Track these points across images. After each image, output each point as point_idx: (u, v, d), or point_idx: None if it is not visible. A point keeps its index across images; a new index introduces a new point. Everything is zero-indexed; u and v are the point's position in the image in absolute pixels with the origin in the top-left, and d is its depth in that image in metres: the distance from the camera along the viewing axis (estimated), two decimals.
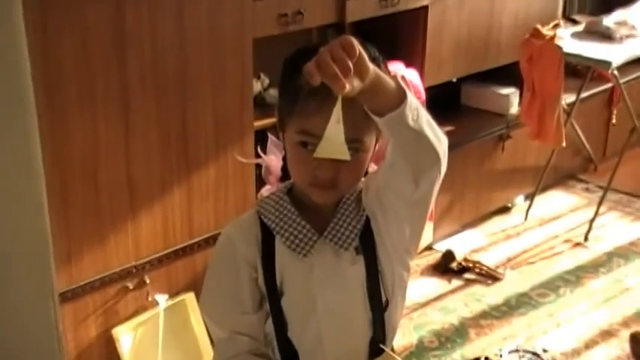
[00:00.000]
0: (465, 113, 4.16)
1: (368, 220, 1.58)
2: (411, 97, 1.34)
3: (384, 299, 1.59)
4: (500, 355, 3.15)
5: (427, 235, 3.83)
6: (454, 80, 4.05)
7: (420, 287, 3.66)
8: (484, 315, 3.46)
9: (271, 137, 1.77)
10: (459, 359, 3.17)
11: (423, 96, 3.52)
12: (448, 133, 3.69)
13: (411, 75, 3.49)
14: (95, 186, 2.63)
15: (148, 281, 2.85)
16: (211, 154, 2.89)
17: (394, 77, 1.41)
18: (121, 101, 2.61)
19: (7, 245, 2.00)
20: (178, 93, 2.76)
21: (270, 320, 1.59)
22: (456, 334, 3.33)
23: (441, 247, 3.93)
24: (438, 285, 3.68)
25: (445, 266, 3.78)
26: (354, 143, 1.44)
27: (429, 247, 3.92)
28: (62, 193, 2.56)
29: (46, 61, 2.41)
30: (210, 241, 2.94)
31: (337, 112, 1.27)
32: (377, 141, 1.52)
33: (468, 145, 3.93)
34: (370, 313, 1.58)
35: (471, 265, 3.77)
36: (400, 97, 1.32)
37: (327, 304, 1.56)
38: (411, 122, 1.34)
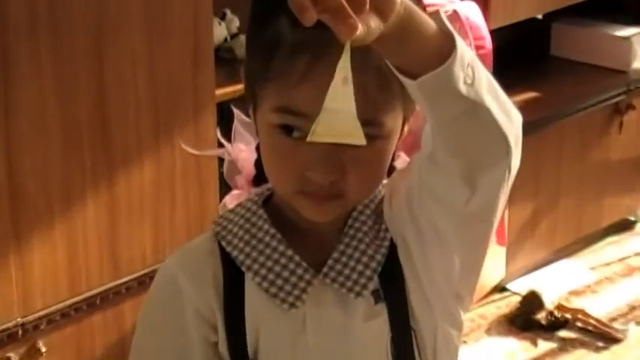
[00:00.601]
0: (557, 70, 4.15)
1: (393, 247, 1.50)
2: (462, 47, 1.27)
3: None
4: None
5: (496, 269, 3.81)
6: (539, 17, 4.02)
7: (485, 352, 3.62)
8: None
9: (238, 114, 1.75)
10: None
11: (488, 44, 3.48)
12: (532, 102, 3.71)
13: (468, 10, 3.45)
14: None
15: (43, 349, 2.82)
16: (147, 144, 2.90)
17: (436, 14, 1.37)
18: None
19: None
20: (90, 43, 2.75)
21: None
22: None
23: (520, 285, 3.90)
24: (515, 349, 3.64)
25: (528, 319, 3.73)
26: (369, 126, 1.31)
27: (501, 288, 3.89)
28: None
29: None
30: (146, 281, 2.95)
31: (344, 68, 1.18)
32: (405, 121, 1.45)
33: (561, 121, 3.90)
34: None
35: (569, 316, 3.72)
36: (445, 46, 1.24)
37: None
38: (462, 87, 1.25)
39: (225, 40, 3.37)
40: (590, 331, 3.74)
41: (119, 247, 2.98)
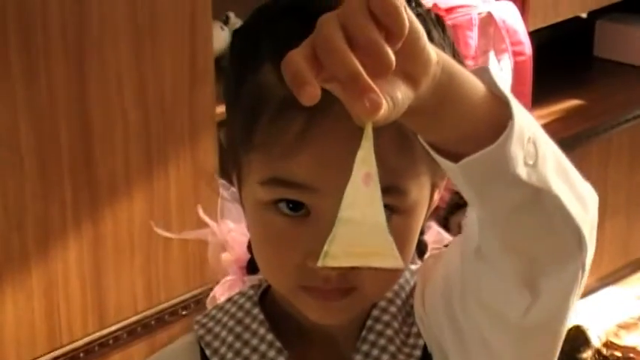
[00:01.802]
0: (602, 74, 3.88)
1: (427, 356, 1.21)
2: (521, 115, 0.96)
3: None
4: None
5: None
6: (583, 16, 3.74)
7: None
8: None
9: (225, 185, 1.40)
10: None
11: (528, 50, 3.25)
12: (574, 112, 3.46)
13: (505, 12, 3.21)
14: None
15: None
16: (137, 175, 2.63)
17: (482, 70, 1.05)
18: None
19: None
20: (70, 57, 2.48)
21: None
22: None
23: None
24: None
25: (571, 357, 3.48)
26: (388, 195, 1.01)
27: None
28: None
29: None
30: (137, 330, 2.67)
31: (366, 160, 0.92)
32: (435, 189, 1.18)
33: (608, 133, 3.64)
34: None
35: (620, 355, 3.47)
36: (498, 114, 0.95)
37: None
38: (522, 170, 0.96)
39: (228, 46, 3.05)
40: None
41: (105, 292, 2.72)
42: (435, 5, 3.13)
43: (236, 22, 3.08)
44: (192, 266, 2.78)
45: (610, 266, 3.84)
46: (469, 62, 3.10)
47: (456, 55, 1.14)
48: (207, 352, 1.21)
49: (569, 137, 3.47)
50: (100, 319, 2.69)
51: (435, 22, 1.15)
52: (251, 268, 1.32)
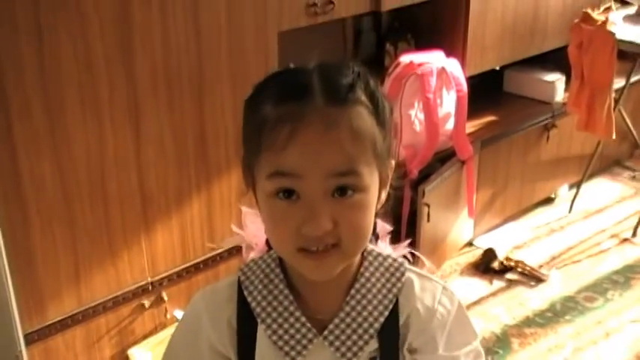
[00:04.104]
0: (508, 101, 3.59)
1: (396, 310, 1.06)
2: None
3: None
4: None
5: (467, 231, 3.35)
6: (497, 68, 3.51)
7: (460, 288, 3.16)
8: (528, 322, 2.96)
9: (245, 209, 1.28)
10: None
11: (465, 88, 3.02)
12: (491, 123, 3.24)
13: (452, 66, 2.99)
14: (104, 199, 2.18)
15: (165, 298, 2.41)
16: (233, 160, 2.41)
17: None
18: (129, 105, 2.14)
19: None
20: (194, 94, 2.28)
21: None
22: (498, 344, 2.84)
23: (482, 242, 3.43)
24: (478, 286, 3.19)
25: (486, 265, 3.27)
26: (348, 176, 0.95)
27: (470, 244, 3.43)
28: (67, 208, 2.12)
29: (42, 64, 1.96)
30: (234, 251, 2.49)
31: None
32: (382, 185, 1.03)
33: (511, 135, 3.40)
34: None
35: (513, 264, 3.26)
36: None
37: None
38: None
39: None
40: (526, 274, 3.26)
41: (214, 229, 2.51)
42: (411, 62, 2.93)
43: None
44: None
45: (510, 210, 3.61)
46: (430, 95, 2.91)
47: (376, 94, 1.00)
48: (245, 293, 1.07)
49: (489, 138, 3.27)
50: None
51: (361, 76, 0.99)
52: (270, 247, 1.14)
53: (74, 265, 2.18)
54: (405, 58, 2.95)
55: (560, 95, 3.58)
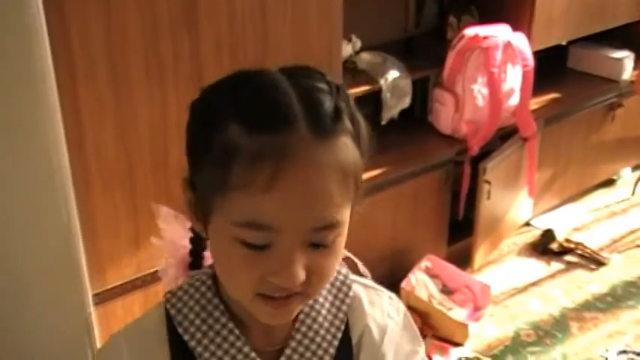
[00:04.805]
0: (573, 78, 3.52)
1: (347, 333, 0.97)
2: None
3: None
4: (606, 358, 2.62)
5: (526, 210, 3.30)
6: (563, 43, 3.42)
7: (517, 269, 3.13)
8: (587, 306, 2.91)
9: (158, 207, 1.07)
10: (559, 359, 2.65)
11: (531, 62, 2.96)
12: (556, 101, 3.18)
13: (518, 40, 2.92)
14: (165, 168, 2.18)
15: None
16: None
17: None
18: (193, 75, 2.13)
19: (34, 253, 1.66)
20: (257, 62, 2.23)
21: None
22: (556, 328, 2.81)
23: (540, 223, 3.38)
24: (536, 267, 3.14)
25: (544, 246, 3.23)
26: (333, 228, 0.82)
27: (528, 224, 3.38)
28: (129, 176, 2.13)
29: (109, 30, 1.96)
30: None
31: None
32: (352, 210, 0.87)
33: (575, 114, 3.33)
34: None
35: (572, 246, 3.21)
36: None
37: None
38: None
39: (351, 55, 2.81)
40: (586, 257, 3.21)
41: None
42: (476, 35, 2.87)
43: (356, 40, 2.84)
44: None
45: (570, 191, 3.55)
46: (494, 70, 2.85)
47: (355, 114, 0.85)
48: (180, 330, 0.91)
49: (550, 116, 3.20)
50: None
51: (341, 94, 0.83)
52: (193, 266, 1.01)
53: (134, 233, 2.19)
54: (470, 31, 2.89)
55: (627, 73, 3.49)
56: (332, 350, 0.94)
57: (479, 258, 3.05)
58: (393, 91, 2.77)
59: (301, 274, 0.81)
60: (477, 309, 2.86)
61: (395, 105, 2.81)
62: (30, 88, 1.57)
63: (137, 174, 2.14)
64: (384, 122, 2.83)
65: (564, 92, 3.34)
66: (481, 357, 2.65)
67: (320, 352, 0.94)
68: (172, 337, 0.91)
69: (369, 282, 1.04)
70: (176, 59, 2.09)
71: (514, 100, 2.98)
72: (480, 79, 2.88)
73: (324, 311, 0.96)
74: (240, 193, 0.78)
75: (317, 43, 2.35)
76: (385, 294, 1.03)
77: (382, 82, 2.74)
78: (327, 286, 0.96)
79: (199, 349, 0.90)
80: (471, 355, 2.67)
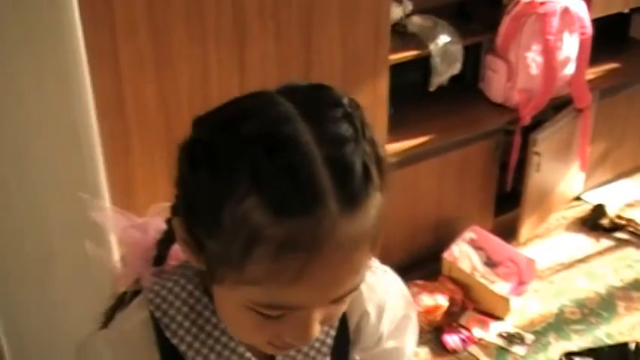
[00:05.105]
0: (634, 48, 3.37)
1: (344, 322, 0.92)
2: None
3: None
4: None
5: (577, 184, 3.20)
6: (626, 11, 3.28)
7: (565, 244, 3.04)
8: (636, 285, 2.82)
9: (88, 199, 0.96)
10: (603, 338, 2.58)
11: (589, 30, 2.84)
12: (613, 71, 3.07)
13: (577, 6, 2.80)
14: None
15: None
16: None
17: None
18: (235, 33, 2.09)
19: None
20: (301, 25, 2.19)
21: None
22: (602, 306, 2.73)
23: (592, 197, 3.28)
24: (585, 243, 3.05)
25: (595, 222, 3.13)
26: (353, 292, 0.76)
27: (578, 198, 3.28)
28: (168, 135, 2.11)
29: None
30: None
31: None
32: None
33: (634, 86, 3.20)
34: None
35: (624, 223, 3.11)
36: None
37: None
38: None
39: (401, 18, 2.73)
40: (637, 234, 3.10)
41: None
42: (533, 0, 2.76)
43: (407, 3, 2.76)
44: None
45: (625, 166, 3.43)
46: (550, 37, 2.74)
47: (378, 150, 0.73)
48: (168, 334, 0.83)
49: (607, 87, 3.09)
50: None
51: (366, 132, 0.72)
52: (157, 262, 0.90)
53: (171, 190, 2.18)
54: None
55: None
56: (329, 341, 0.90)
57: (525, 231, 2.97)
58: (443, 56, 2.69)
59: (317, 332, 0.76)
60: (520, 283, 2.79)
61: (445, 71, 2.73)
62: (59, 42, 1.54)
63: (176, 132, 2.11)
64: (432, 88, 2.76)
65: (624, 63, 3.21)
66: (522, 333, 2.59)
67: (317, 344, 0.89)
68: (161, 342, 0.83)
69: None
70: (218, 17, 2.05)
71: (569, 70, 2.87)
72: (534, 47, 2.78)
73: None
74: (260, 285, 0.70)
75: (365, 4, 2.28)
76: (380, 268, 0.97)
77: (432, 46, 2.66)
78: None
79: (190, 353, 0.83)
80: (512, 330, 2.61)
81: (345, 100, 0.74)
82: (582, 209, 3.23)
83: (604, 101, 3.09)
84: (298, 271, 0.67)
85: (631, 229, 3.09)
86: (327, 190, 0.67)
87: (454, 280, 2.73)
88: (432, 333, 2.59)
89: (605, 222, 3.11)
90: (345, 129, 0.70)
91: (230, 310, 0.77)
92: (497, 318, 2.65)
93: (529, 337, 2.58)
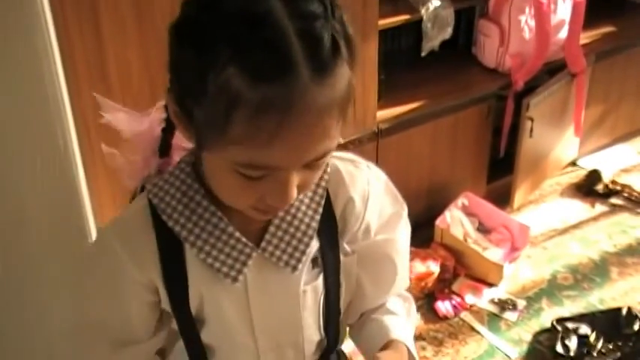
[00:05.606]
0: (631, 11, 3.33)
1: (329, 203, 1.01)
2: None
3: (341, 309, 1.09)
4: None
5: (572, 150, 3.18)
6: None
7: (558, 210, 3.03)
8: (630, 251, 2.81)
9: (102, 100, 1.05)
10: (596, 304, 2.57)
11: None
12: (609, 35, 3.02)
13: None
14: None
15: None
16: None
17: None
18: None
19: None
20: None
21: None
22: (595, 272, 2.72)
23: (587, 163, 3.25)
24: (579, 209, 3.04)
25: (589, 187, 3.11)
26: (326, 156, 0.85)
27: (573, 163, 3.26)
28: (152, 101, 2.09)
29: None
30: None
31: None
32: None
33: (630, 49, 3.16)
34: (323, 329, 1.08)
35: (619, 188, 3.09)
36: None
37: (269, 334, 1.04)
38: None
39: None
40: (633, 200, 3.09)
41: None
42: None
43: None
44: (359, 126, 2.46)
45: (621, 131, 3.40)
46: (544, 1, 2.69)
47: (347, 30, 0.82)
48: (164, 217, 0.94)
49: (603, 51, 3.04)
50: None
51: (335, 12, 0.80)
52: (162, 152, 1.03)
53: None
54: None
55: None
56: (314, 224, 0.98)
57: (519, 197, 2.96)
58: (434, 20, 2.65)
59: (295, 194, 0.85)
60: (513, 250, 2.78)
61: (436, 35, 2.69)
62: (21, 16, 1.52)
63: (160, 98, 2.09)
64: (424, 53, 2.72)
65: (619, 26, 3.17)
66: (514, 299, 2.59)
67: (303, 227, 0.97)
68: (157, 225, 0.95)
69: (346, 155, 1.05)
70: None
71: (563, 34, 2.83)
72: (527, 10, 2.74)
73: (307, 199, 0.99)
74: (240, 144, 0.78)
75: None
76: (363, 163, 1.05)
77: (423, 11, 2.62)
78: None
79: (184, 232, 0.94)
80: (504, 296, 2.61)
81: None
82: (577, 175, 3.21)
83: (600, 65, 3.05)
84: (273, 131, 0.76)
85: (626, 194, 3.07)
86: (298, 59, 0.75)
87: (446, 247, 2.71)
88: (424, 299, 2.58)
89: (600, 187, 3.09)
90: (316, 7, 0.78)
91: (219, 175, 0.86)
92: (490, 284, 2.64)
93: (521, 303, 2.57)
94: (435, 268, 2.61)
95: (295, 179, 0.84)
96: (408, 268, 1.15)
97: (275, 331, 1.04)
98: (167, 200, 0.95)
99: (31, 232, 1.73)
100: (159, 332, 1.06)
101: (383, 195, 1.07)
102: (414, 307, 1.17)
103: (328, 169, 1.00)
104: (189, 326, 1.01)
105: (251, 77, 0.74)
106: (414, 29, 2.70)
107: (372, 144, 2.54)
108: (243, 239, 0.96)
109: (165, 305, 1.00)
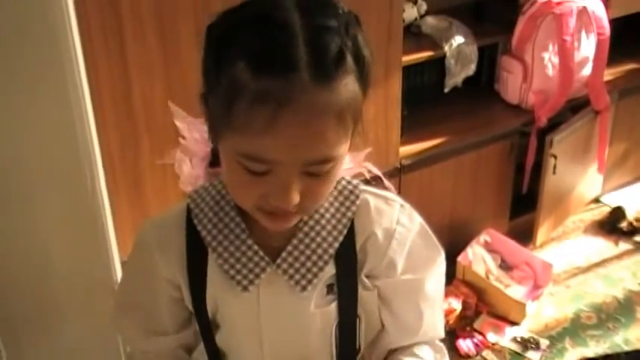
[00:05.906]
0: None
1: (352, 231, 1.03)
2: None
3: (358, 345, 1.10)
4: None
5: (595, 186, 3.16)
6: None
7: (581, 247, 3.00)
8: None
9: (176, 110, 1.14)
10: (621, 344, 2.53)
11: (607, 31, 2.80)
12: (632, 72, 3.01)
13: (594, 5, 2.76)
14: None
15: None
16: None
17: None
18: None
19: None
20: None
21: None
22: (619, 311, 2.68)
23: (611, 200, 3.23)
24: (602, 247, 3.01)
25: (613, 225, 3.08)
26: (326, 164, 0.89)
27: (597, 200, 3.23)
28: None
29: None
30: None
31: None
32: (351, 142, 0.93)
33: None
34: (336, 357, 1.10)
35: None
36: None
37: (277, 350, 1.08)
38: None
39: (415, 19, 2.70)
40: None
41: None
42: (550, 0, 2.72)
43: (421, 3, 2.73)
44: (381, 158, 2.46)
45: None
46: (567, 38, 2.70)
47: (361, 50, 0.88)
48: (195, 221, 1.03)
49: (627, 88, 3.04)
50: None
51: (350, 30, 0.87)
52: (212, 163, 1.12)
53: (181, 191, 2.17)
54: None
55: None
56: (332, 250, 1.01)
57: (541, 234, 2.94)
58: (457, 57, 2.66)
59: (295, 198, 0.88)
60: (536, 287, 2.76)
61: (459, 72, 2.70)
62: (53, 47, 1.54)
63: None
64: (447, 89, 2.73)
65: None
66: (537, 338, 2.56)
67: (320, 251, 1.01)
68: (189, 228, 1.03)
69: (383, 192, 1.07)
70: None
71: (587, 71, 2.83)
72: (551, 47, 2.74)
73: (328, 215, 1.03)
74: (240, 132, 0.85)
75: (375, 2, 2.26)
76: (397, 202, 1.07)
77: (446, 47, 2.63)
78: (335, 193, 1.03)
79: (209, 238, 1.02)
80: (527, 335, 2.58)
81: (343, 7, 0.89)
82: (600, 212, 3.18)
83: (623, 101, 3.04)
84: (268, 121, 0.81)
85: None
86: (301, 60, 0.81)
87: (468, 284, 2.69)
88: (446, 337, 2.55)
89: (623, 225, 3.06)
90: (332, 23, 0.84)
91: (228, 170, 0.92)
92: (512, 322, 2.62)
93: (544, 342, 2.54)
94: (456, 305, 2.59)
95: (296, 181, 0.88)
96: (439, 317, 1.14)
97: (282, 348, 1.07)
98: (202, 207, 1.03)
99: (58, 275, 1.75)
100: (184, 329, 1.14)
101: (415, 236, 1.07)
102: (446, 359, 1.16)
103: (358, 201, 1.03)
104: (206, 327, 1.08)
105: (255, 70, 0.81)
106: (438, 65, 2.71)
107: (394, 180, 2.54)
108: (261, 253, 1.02)
109: (188, 304, 1.08)
